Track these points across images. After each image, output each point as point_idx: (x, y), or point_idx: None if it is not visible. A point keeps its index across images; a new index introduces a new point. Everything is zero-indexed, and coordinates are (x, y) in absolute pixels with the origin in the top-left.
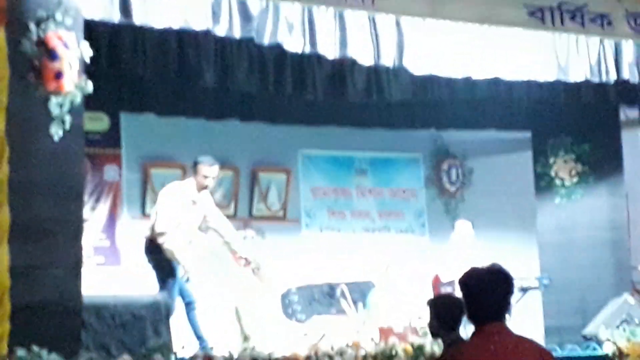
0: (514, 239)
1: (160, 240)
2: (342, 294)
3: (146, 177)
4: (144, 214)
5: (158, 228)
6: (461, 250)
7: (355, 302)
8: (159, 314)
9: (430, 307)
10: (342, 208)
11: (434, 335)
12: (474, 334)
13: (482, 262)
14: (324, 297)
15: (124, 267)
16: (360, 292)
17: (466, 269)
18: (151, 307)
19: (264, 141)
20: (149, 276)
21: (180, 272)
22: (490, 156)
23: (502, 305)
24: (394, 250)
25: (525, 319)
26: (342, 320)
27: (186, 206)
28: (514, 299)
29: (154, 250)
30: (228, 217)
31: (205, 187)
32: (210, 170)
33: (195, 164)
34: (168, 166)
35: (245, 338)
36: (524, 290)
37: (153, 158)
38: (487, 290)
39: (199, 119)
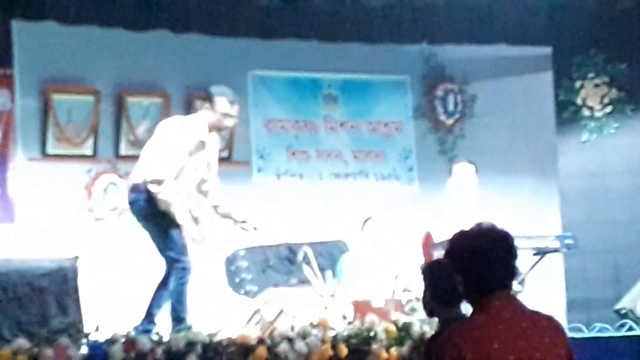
0: (529, 187)
1: (154, 188)
2: (306, 258)
3: (47, 106)
4: (44, 154)
5: (156, 174)
6: (460, 202)
7: (322, 269)
8: (64, 285)
9: (423, 276)
10: (305, 147)
11: (429, 312)
12: (475, 311)
13: (488, 217)
14: (281, 263)
15: (19, 225)
16: (329, 255)
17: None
18: (55, 275)
19: (202, 59)
20: (51, 236)
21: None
22: (499, 79)
23: (506, 273)
24: (373, 201)
25: (542, 289)
26: (305, 292)
27: (194, 149)
28: (527, 264)
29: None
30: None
31: (220, 129)
32: (233, 108)
33: (211, 96)
34: (76, 91)
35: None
36: (541, 253)
37: (56, 80)
38: (484, 257)
39: (117, 28)
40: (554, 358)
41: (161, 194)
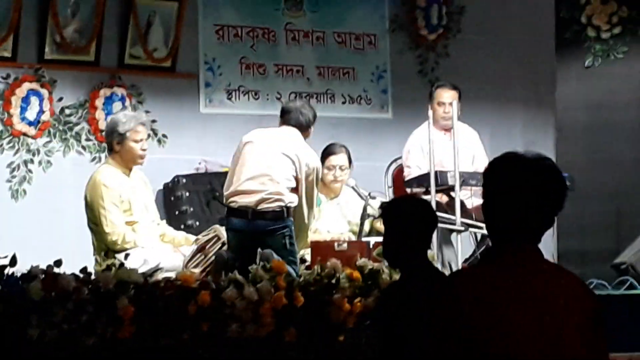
0: (521, 118)
1: None
2: None
3: None
4: None
5: None
6: (441, 133)
7: None
8: None
9: (387, 215)
10: (262, 59)
11: (390, 260)
12: (484, 258)
13: (472, 152)
14: None
15: None
16: None
17: (446, 160)
18: None
19: None
20: None
21: None
22: None
23: (546, 215)
24: (338, 126)
25: None
26: None
27: None
28: None
29: None
30: (86, 63)
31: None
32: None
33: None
34: None
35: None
36: None
37: None
38: (526, 186)
39: None
40: (566, 325)
41: None
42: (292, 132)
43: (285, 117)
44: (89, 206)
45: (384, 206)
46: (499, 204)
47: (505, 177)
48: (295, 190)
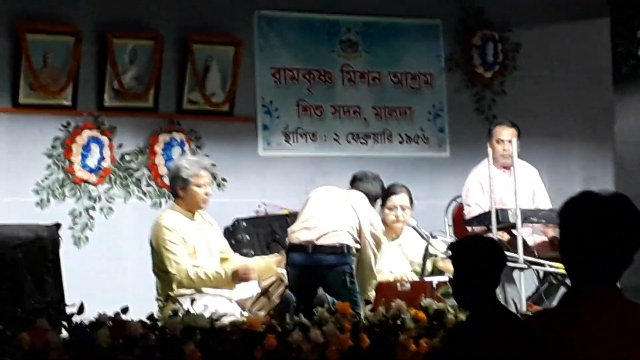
0: (579, 154)
1: None
2: None
3: (20, 47)
4: (16, 104)
5: None
6: (500, 170)
7: None
8: (42, 257)
9: (453, 255)
10: (319, 101)
11: (460, 300)
12: (565, 299)
13: (531, 189)
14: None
15: None
16: None
17: (507, 198)
18: (31, 246)
19: None
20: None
21: None
22: (547, 26)
23: (625, 253)
24: (397, 166)
25: None
26: None
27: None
28: None
29: None
30: (144, 110)
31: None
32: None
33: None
34: (54, 30)
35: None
36: None
37: (30, 17)
38: (604, 225)
39: None
40: None
41: None
42: (361, 195)
43: (357, 183)
44: (154, 250)
45: (452, 246)
46: (577, 244)
47: (582, 216)
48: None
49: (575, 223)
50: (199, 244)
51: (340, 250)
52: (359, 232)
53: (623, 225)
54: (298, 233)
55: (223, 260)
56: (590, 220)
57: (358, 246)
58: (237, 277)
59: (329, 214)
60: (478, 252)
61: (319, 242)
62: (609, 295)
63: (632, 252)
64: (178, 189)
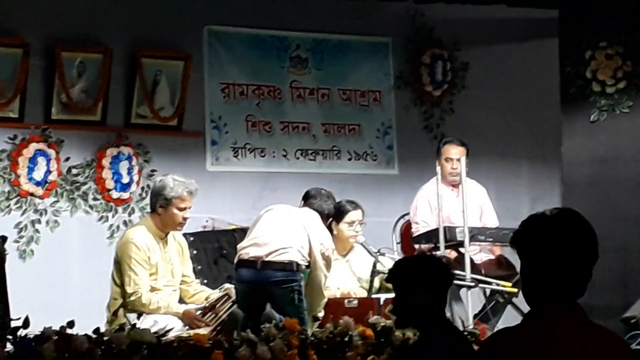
0: (527, 173)
1: None
2: None
3: None
4: None
5: None
6: (448, 189)
7: None
8: None
9: (395, 276)
10: (268, 117)
11: (404, 318)
12: (526, 317)
13: (478, 208)
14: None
15: None
16: None
17: (454, 216)
18: None
19: (149, 9)
20: None
21: None
22: (496, 45)
23: (583, 277)
24: (345, 183)
25: None
26: None
27: None
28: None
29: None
30: (92, 123)
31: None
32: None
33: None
34: (1, 43)
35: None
36: None
37: None
38: (560, 245)
39: None
40: None
41: None
42: (313, 214)
43: (309, 201)
44: (117, 262)
45: (397, 265)
46: (534, 266)
47: (535, 238)
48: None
49: (528, 246)
50: (161, 266)
51: (289, 267)
52: (310, 252)
53: (576, 240)
54: (247, 249)
55: (183, 282)
56: (543, 241)
57: (307, 264)
58: (186, 321)
59: (280, 232)
60: (422, 270)
61: (268, 259)
62: (571, 315)
63: (589, 265)
64: (158, 206)
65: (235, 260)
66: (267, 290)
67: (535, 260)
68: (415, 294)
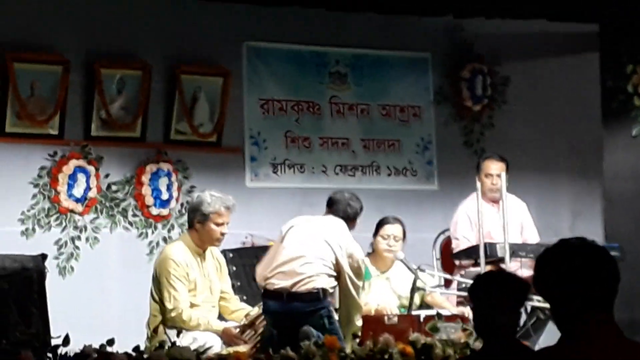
0: (568, 189)
1: None
2: None
3: (7, 76)
4: (2, 132)
5: None
6: (489, 204)
7: None
8: (28, 288)
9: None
10: (307, 132)
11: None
12: (564, 335)
13: (518, 223)
14: None
15: None
16: None
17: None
18: (17, 276)
19: (189, 25)
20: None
21: None
22: (536, 60)
23: (606, 292)
24: (384, 199)
25: None
26: None
27: None
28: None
29: None
30: (132, 139)
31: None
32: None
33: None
34: (41, 60)
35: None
36: None
37: (17, 47)
38: (586, 271)
39: None
40: None
41: None
42: (338, 223)
43: (333, 208)
44: (156, 278)
45: (473, 282)
46: (557, 291)
47: (556, 267)
48: (336, 279)
49: (550, 273)
50: (200, 282)
51: (316, 296)
52: (337, 267)
53: (595, 273)
54: (273, 279)
55: (222, 299)
56: (564, 271)
57: (335, 283)
58: (225, 338)
59: (304, 256)
60: (503, 286)
61: (294, 290)
62: (608, 330)
63: (613, 287)
64: (195, 221)
65: (262, 289)
66: (296, 320)
67: (557, 286)
68: (493, 309)
